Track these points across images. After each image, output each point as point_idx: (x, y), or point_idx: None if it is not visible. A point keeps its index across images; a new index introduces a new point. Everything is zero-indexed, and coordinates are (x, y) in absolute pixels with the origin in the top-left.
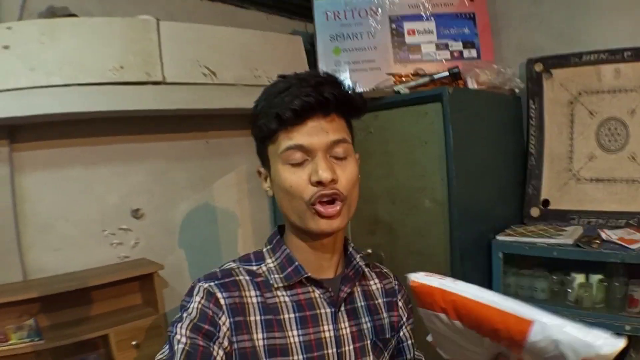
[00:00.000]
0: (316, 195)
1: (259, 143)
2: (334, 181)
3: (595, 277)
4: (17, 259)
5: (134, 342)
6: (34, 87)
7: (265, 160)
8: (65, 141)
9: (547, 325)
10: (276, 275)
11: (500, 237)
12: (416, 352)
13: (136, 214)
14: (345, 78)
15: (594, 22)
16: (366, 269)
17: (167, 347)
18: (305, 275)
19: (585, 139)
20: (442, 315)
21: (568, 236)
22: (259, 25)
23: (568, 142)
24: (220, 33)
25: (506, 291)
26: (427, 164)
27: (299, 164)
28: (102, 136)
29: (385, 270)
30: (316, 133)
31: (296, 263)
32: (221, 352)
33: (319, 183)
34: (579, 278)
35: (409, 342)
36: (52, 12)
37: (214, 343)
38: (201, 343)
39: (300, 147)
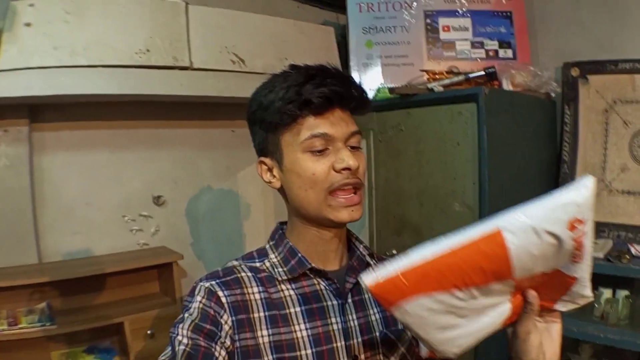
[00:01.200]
0: (342, 181)
1: (268, 131)
2: (358, 169)
3: (622, 293)
4: (33, 241)
5: (149, 331)
6: (58, 66)
7: (274, 150)
8: (90, 123)
9: (514, 223)
10: (280, 269)
11: None
12: None
13: (158, 201)
14: (377, 72)
15: (633, 31)
16: (370, 260)
17: (170, 348)
18: (309, 267)
19: (618, 149)
20: (423, 300)
21: (598, 250)
22: (291, 14)
23: (602, 152)
24: (250, 20)
25: None
26: (459, 166)
27: (320, 153)
28: (128, 120)
29: None
30: (339, 123)
31: (299, 255)
32: (223, 352)
33: (345, 169)
34: (606, 293)
35: None
36: None
37: (216, 343)
38: (203, 343)
39: (324, 135)
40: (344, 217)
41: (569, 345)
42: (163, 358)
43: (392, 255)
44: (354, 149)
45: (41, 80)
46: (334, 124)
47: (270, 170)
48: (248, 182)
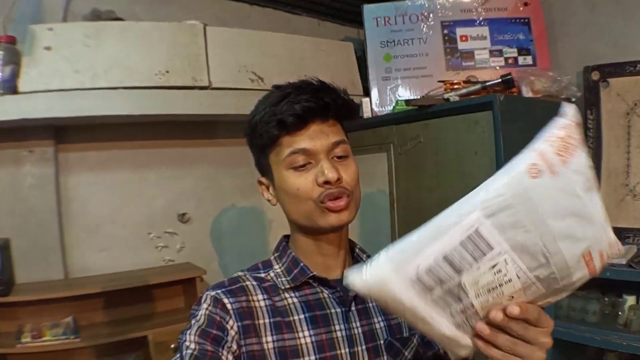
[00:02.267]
0: (325, 193)
1: (259, 153)
2: (339, 180)
3: None
4: (60, 258)
5: (172, 345)
6: (79, 89)
7: (266, 170)
8: (114, 144)
9: (484, 201)
10: (283, 279)
11: None
12: None
13: (182, 218)
14: (397, 85)
15: None
16: None
17: (178, 355)
18: (311, 274)
19: None
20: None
21: (622, 256)
22: (311, 31)
23: (625, 156)
24: (268, 38)
25: (557, 313)
26: (478, 175)
27: (303, 168)
28: (150, 140)
29: None
30: (317, 136)
31: (301, 264)
32: (230, 357)
33: (326, 183)
34: (630, 300)
35: None
36: (97, 15)
37: (223, 348)
38: (210, 348)
39: (303, 151)
40: (332, 221)
41: (594, 355)
42: None
43: None
44: (341, 158)
45: (62, 102)
46: (312, 138)
47: (267, 188)
48: None
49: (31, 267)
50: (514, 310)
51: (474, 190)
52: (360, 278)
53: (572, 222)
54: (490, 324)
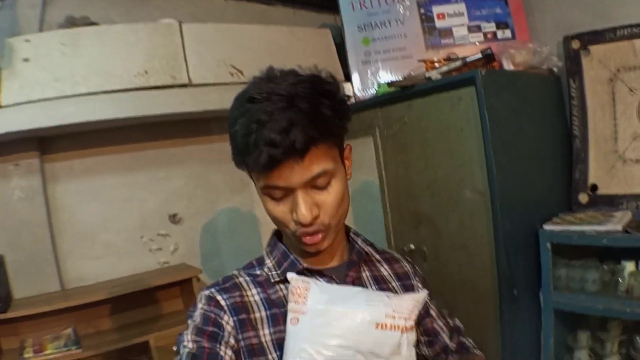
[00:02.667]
0: (300, 231)
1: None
2: (315, 218)
3: None
4: (54, 269)
5: (175, 348)
6: (60, 97)
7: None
8: (99, 149)
9: None
10: (274, 272)
11: (547, 227)
12: (451, 321)
13: (174, 219)
14: (377, 68)
15: None
16: (372, 250)
17: (178, 357)
18: (301, 267)
19: (628, 118)
20: None
21: (617, 222)
22: (288, 21)
23: (612, 122)
24: (244, 31)
25: (557, 284)
26: (465, 152)
27: (280, 198)
28: (136, 143)
29: (396, 255)
30: (291, 175)
31: (291, 257)
32: (229, 352)
33: (301, 223)
34: (629, 266)
35: (440, 322)
36: (71, 22)
37: (220, 343)
38: (207, 345)
39: (277, 187)
40: (309, 249)
41: (597, 324)
42: None
43: (411, 251)
44: (321, 189)
45: (44, 112)
46: (287, 177)
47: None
48: None
49: (27, 281)
50: None
51: None
52: None
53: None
54: None
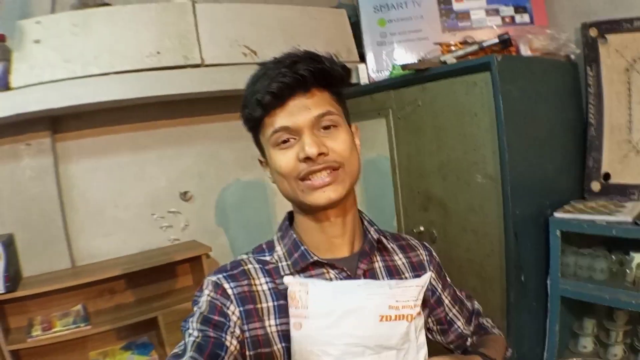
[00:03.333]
0: (307, 169)
1: (252, 133)
2: (323, 154)
3: None
4: (65, 247)
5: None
6: (71, 78)
7: (260, 149)
8: (111, 128)
9: None
10: (284, 263)
11: (558, 214)
12: (470, 304)
13: (185, 196)
14: (393, 50)
15: None
16: (384, 240)
17: (182, 342)
18: (312, 260)
19: None
20: None
21: (627, 213)
22: (304, 0)
23: (627, 112)
24: (258, 10)
25: (564, 271)
26: (478, 136)
27: (288, 145)
28: (147, 121)
29: (413, 242)
30: (298, 111)
31: (302, 247)
32: (234, 342)
33: (307, 159)
34: (637, 258)
35: (454, 310)
36: (84, 3)
37: (226, 333)
38: (212, 334)
39: (285, 129)
40: (318, 200)
41: (604, 313)
42: (176, 351)
43: (420, 233)
44: (328, 129)
45: (55, 93)
46: (292, 114)
47: (266, 166)
48: None
49: (37, 259)
50: None
51: None
52: None
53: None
54: None
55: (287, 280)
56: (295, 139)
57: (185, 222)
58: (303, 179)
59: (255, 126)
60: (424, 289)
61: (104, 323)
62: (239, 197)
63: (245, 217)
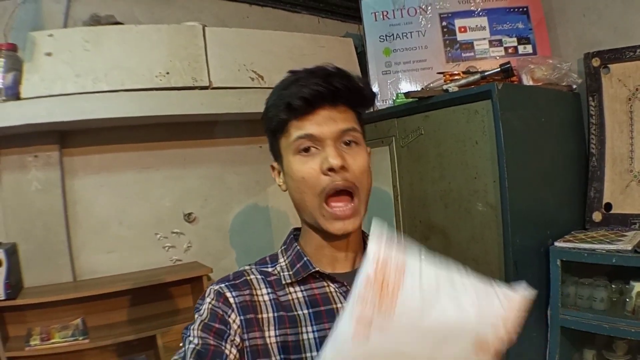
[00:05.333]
0: (329, 186)
1: (271, 137)
2: (344, 168)
3: None
4: (68, 261)
5: (181, 344)
6: (81, 92)
7: (277, 155)
8: (118, 146)
9: None
10: (286, 273)
11: (558, 244)
12: None
13: (189, 217)
14: (397, 79)
15: None
16: None
17: (182, 349)
18: (313, 270)
19: None
20: None
21: (627, 242)
22: (312, 28)
23: (628, 142)
24: (267, 37)
25: (564, 301)
26: (479, 165)
27: (309, 154)
28: (155, 141)
29: None
30: (325, 122)
31: (305, 259)
32: (234, 350)
33: (330, 170)
34: (637, 287)
35: None
36: (96, 20)
37: (226, 341)
38: (212, 342)
39: (310, 137)
40: (336, 229)
41: (603, 343)
42: (175, 357)
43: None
44: (349, 145)
45: (64, 106)
46: (320, 124)
47: (279, 174)
48: (277, 195)
49: (40, 271)
50: None
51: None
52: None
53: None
54: None
55: (372, 247)
56: (317, 148)
57: (188, 243)
58: (327, 202)
59: (277, 129)
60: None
61: (103, 338)
62: (242, 221)
63: (247, 241)
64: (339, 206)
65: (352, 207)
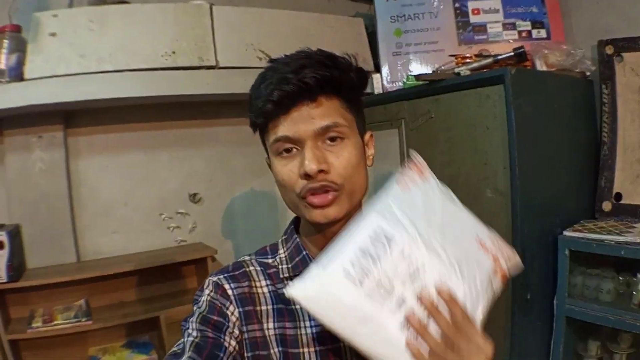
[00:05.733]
0: (305, 188)
1: (259, 135)
2: (323, 172)
3: None
4: (72, 242)
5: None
6: (86, 73)
7: (266, 151)
8: (123, 126)
9: (376, 208)
10: (284, 266)
11: (567, 233)
12: None
13: (194, 198)
14: (408, 60)
15: None
16: None
17: (181, 341)
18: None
19: None
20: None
21: (637, 234)
22: (322, 8)
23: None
24: (275, 16)
25: (572, 292)
26: (489, 150)
27: (289, 154)
28: (159, 121)
29: None
30: (302, 121)
31: (304, 252)
32: (233, 342)
33: (307, 175)
34: None
35: None
36: (102, 0)
37: (224, 333)
38: (211, 335)
39: (286, 139)
40: (316, 217)
41: (608, 335)
42: (174, 349)
43: None
44: (333, 141)
45: (68, 87)
46: (295, 123)
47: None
48: None
49: (43, 252)
50: (443, 288)
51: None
52: (299, 289)
53: (451, 215)
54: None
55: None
56: (297, 148)
57: (193, 224)
58: (304, 197)
59: (260, 130)
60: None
61: (106, 319)
62: (248, 202)
63: (253, 223)
64: (316, 198)
65: (332, 194)
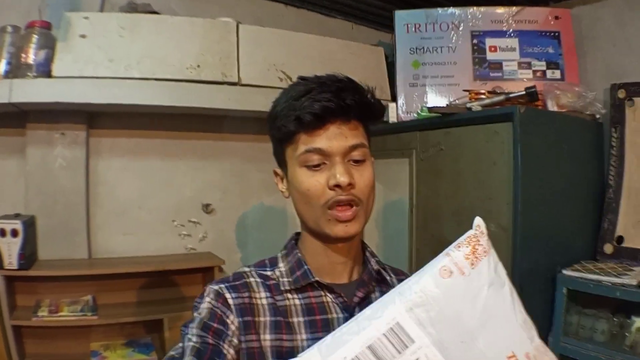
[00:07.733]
0: (333, 199)
1: (276, 143)
2: (351, 185)
3: None
4: (85, 239)
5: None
6: (113, 77)
7: (282, 162)
8: (145, 132)
9: (403, 297)
10: (285, 279)
11: (566, 272)
12: None
13: (207, 209)
14: (423, 92)
15: None
16: (383, 272)
17: (180, 344)
18: (313, 280)
19: None
20: None
21: (633, 277)
22: (345, 34)
23: None
24: (299, 39)
25: (567, 330)
26: (495, 186)
27: (316, 168)
28: (181, 131)
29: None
30: (335, 137)
31: (305, 267)
32: (232, 351)
33: (337, 186)
34: (638, 322)
35: None
36: (133, 7)
37: (224, 341)
38: (211, 341)
39: (319, 151)
40: (339, 232)
41: None
42: (172, 354)
43: None
44: (357, 162)
45: (95, 89)
46: (329, 139)
47: (282, 180)
48: None
49: (56, 245)
50: None
51: (394, 288)
52: None
53: (488, 320)
54: None
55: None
56: (325, 163)
57: (204, 233)
58: (331, 207)
59: (284, 140)
60: None
61: (111, 316)
62: (259, 217)
63: (262, 238)
64: (341, 211)
65: (353, 210)
